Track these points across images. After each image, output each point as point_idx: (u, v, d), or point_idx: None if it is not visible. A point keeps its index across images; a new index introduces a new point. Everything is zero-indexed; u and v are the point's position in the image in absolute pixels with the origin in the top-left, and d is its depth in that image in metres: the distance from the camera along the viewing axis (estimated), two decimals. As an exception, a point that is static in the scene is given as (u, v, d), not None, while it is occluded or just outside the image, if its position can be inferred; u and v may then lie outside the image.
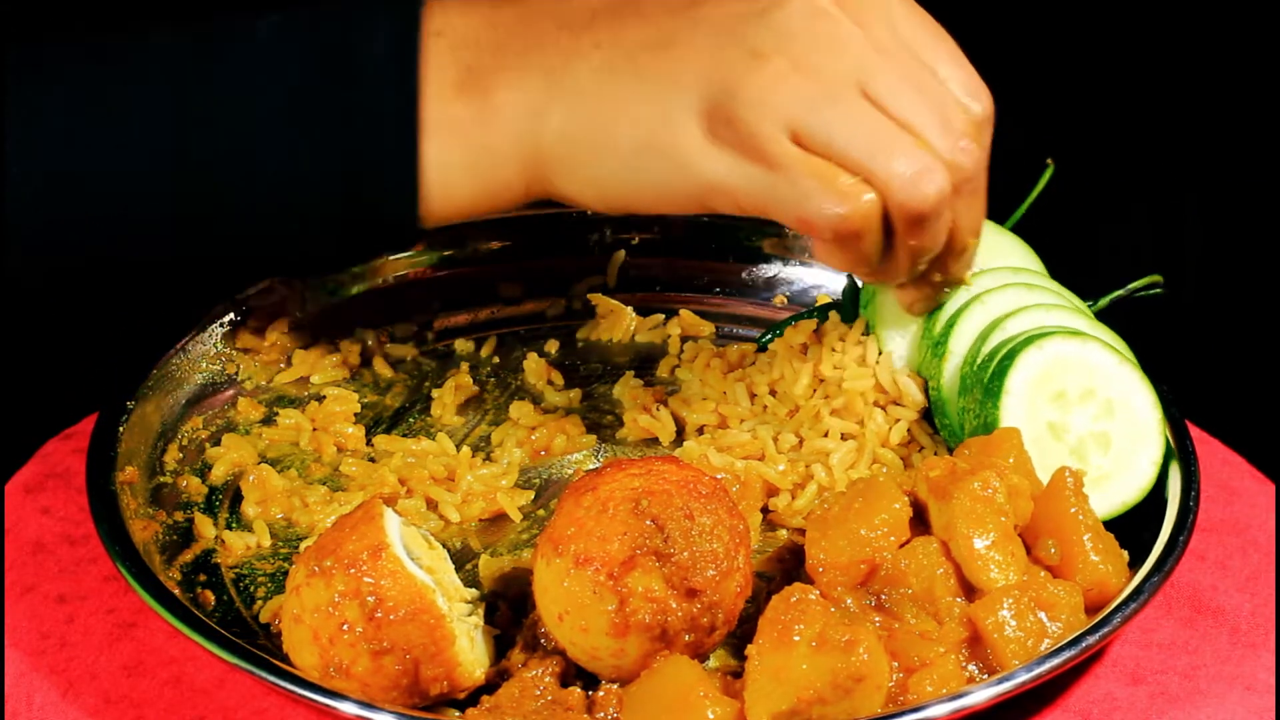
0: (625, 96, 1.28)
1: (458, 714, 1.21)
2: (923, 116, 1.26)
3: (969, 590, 1.24)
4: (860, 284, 1.48)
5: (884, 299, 1.44)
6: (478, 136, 1.28)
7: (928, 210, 1.27)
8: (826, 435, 1.42)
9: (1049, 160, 1.57)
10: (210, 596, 1.31)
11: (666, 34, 1.29)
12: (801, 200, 1.26)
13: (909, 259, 1.31)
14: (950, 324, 1.41)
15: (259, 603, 1.31)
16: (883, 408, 1.43)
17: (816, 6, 1.27)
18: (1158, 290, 1.50)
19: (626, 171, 1.29)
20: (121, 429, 1.38)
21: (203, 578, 1.33)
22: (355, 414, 1.47)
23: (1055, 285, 1.44)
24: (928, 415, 1.43)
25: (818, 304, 1.56)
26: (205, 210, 1.28)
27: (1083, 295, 1.46)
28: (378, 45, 1.27)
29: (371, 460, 1.44)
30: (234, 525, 1.38)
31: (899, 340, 1.44)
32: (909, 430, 1.43)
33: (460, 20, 1.29)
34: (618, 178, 1.29)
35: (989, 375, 1.35)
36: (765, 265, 1.61)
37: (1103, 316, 1.44)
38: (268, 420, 1.47)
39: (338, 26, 1.27)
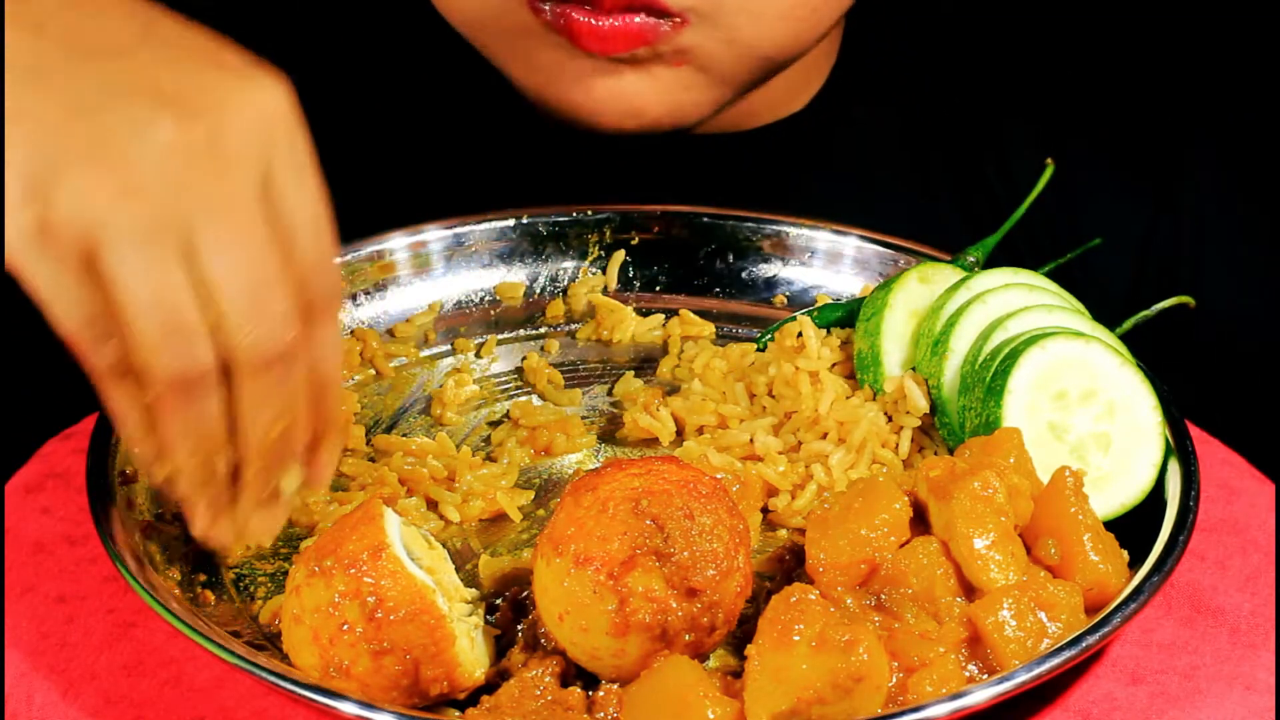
0: None
1: (458, 714, 1.21)
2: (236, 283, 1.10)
3: (969, 590, 1.24)
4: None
5: (892, 318, 1.43)
6: None
7: (169, 375, 1.11)
8: (826, 436, 1.42)
9: (1049, 160, 1.57)
10: (210, 596, 1.31)
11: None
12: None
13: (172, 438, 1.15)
14: (951, 323, 1.41)
15: (259, 603, 1.31)
16: (885, 412, 1.43)
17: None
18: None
19: None
20: (121, 429, 1.38)
21: (203, 578, 1.33)
22: (355, 414, 1.47)
23: (1055, 286, 1.44)
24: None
25: (817, 304, 1.56)
26: None
27: (1080, 296, 1.45)
28: None
29: (371, 460, 1.43)
30: (234, 525, 1.38)
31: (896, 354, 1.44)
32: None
33: None
34: None
35: (991, 374, 1.35)
36: (765, 265, 1.61)
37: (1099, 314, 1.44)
38: (268, 420, 1.46)
39: None
